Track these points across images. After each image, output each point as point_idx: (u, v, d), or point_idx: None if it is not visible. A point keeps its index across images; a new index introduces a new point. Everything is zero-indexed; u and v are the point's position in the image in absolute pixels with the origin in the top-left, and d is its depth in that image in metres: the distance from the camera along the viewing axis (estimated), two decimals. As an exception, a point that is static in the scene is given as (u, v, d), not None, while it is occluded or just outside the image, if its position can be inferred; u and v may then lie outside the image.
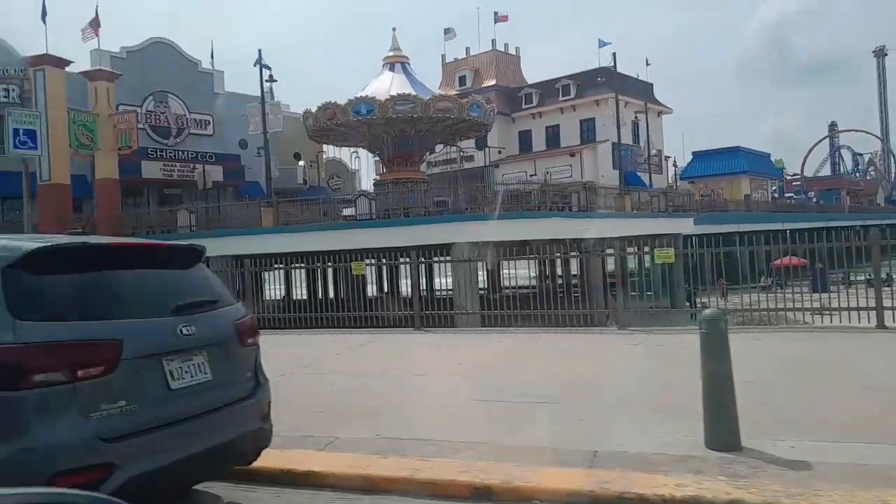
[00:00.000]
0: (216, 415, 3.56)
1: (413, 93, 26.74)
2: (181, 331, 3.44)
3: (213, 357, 3.62)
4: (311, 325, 13.20)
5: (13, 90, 25.85)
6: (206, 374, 3.55)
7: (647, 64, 62.81)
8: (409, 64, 29.76)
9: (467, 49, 50.66)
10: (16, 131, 9.31)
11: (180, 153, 35.51)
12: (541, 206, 21.50)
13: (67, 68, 26.87)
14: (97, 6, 26.64)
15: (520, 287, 17.79)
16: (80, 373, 3.01)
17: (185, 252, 3.95)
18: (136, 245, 4.13)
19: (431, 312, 12.35)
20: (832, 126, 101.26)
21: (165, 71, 35.51)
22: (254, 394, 3.88)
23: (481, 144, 42.28)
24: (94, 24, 26.11)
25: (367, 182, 48.08)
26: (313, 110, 27.39)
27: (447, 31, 50.80)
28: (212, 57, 41.09)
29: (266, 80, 23.76)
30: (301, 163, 47.33)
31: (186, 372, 3.46)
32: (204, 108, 38.30)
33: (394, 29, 34.73)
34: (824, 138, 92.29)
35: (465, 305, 14.80)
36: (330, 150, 46.67)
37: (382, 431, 5.17)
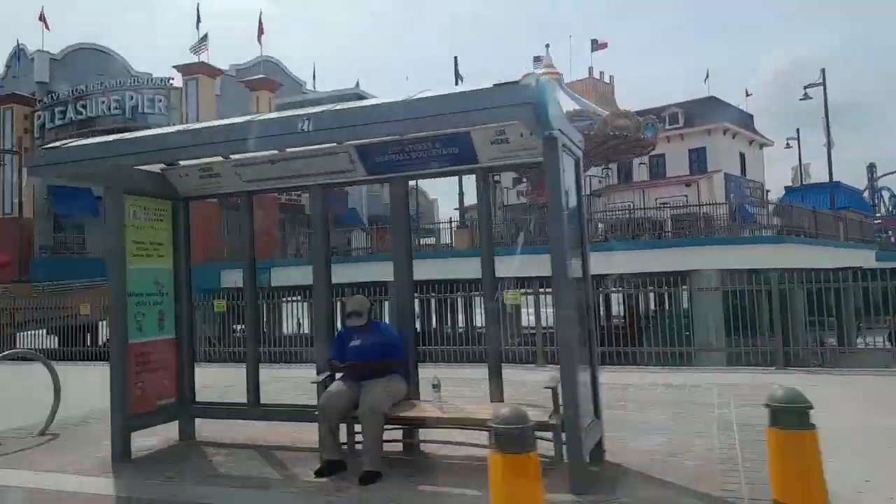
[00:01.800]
0: None
1: (581, 109, 24.93)
2: None
3: None
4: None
5: (159, 101, 24.05)
6: None
7: (748, 94, 58.71)
8: (562, 82, 28.03)
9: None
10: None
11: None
12: (778, 231, 19.41)
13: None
14: (260, 13, 24.97)
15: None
16: None
17: None
18: None
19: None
20: (871, 167, 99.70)
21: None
22: None
23: (577, 173, 40.58)
24: (259, 30, 24.45)
25: (445, 210, 46.28)
26: (474, 127, 25.50)
27: (537, 58, 49.28)
28: (313, 78, 39.56)
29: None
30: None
31: None
32: (307, 130, 36.70)
33: (547, 45, 33.11)
34: (867, 186, 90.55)
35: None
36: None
37: None
